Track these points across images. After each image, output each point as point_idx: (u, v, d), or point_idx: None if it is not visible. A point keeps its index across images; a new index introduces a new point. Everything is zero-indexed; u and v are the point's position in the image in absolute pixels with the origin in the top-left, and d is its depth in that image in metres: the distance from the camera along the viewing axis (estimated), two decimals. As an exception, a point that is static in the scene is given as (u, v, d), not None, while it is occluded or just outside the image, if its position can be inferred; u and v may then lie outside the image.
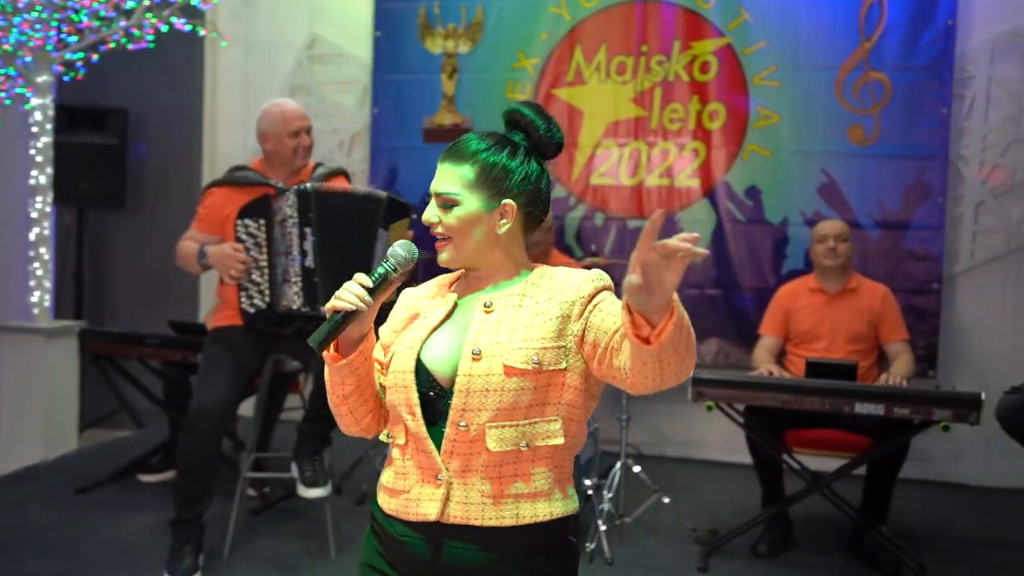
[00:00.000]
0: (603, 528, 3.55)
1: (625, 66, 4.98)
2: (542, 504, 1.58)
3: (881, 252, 4.69)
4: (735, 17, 4.83)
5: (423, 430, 1.58)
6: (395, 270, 1.64)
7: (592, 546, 3.52)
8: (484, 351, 1.57)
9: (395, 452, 1.66)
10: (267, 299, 3.32)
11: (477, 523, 1.56)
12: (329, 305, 1.59)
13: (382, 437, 1.71)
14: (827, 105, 4.75)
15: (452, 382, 1.57)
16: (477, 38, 5.19)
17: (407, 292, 1.79)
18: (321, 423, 3.45)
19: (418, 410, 1.58)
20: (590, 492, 3.59)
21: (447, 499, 1.57)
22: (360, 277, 1.61)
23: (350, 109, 5.47)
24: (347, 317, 1.60)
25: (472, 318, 1.63)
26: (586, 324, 1.58)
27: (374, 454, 4.37)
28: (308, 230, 3.24)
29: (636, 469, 3.90)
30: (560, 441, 1.58)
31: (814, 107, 4.77)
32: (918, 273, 4.66)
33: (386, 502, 1.65)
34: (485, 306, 1.64)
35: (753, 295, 4.81)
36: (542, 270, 1.68)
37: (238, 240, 3.32)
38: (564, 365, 1.58)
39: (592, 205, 5.06)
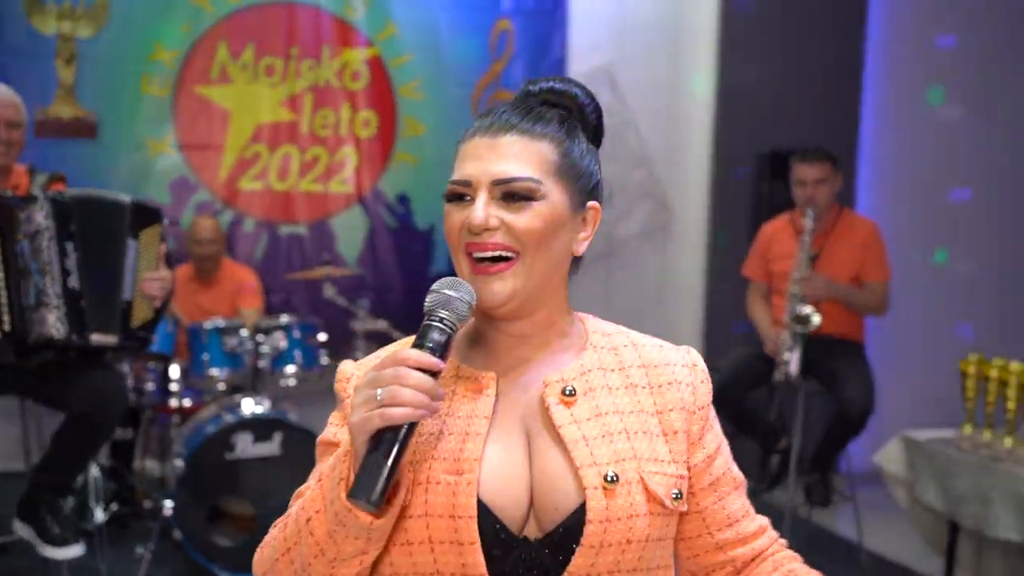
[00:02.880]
0: None
1: (274, 68, 4.85)
2: None
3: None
4: (383, 28, 4.98)
5: None
6: (454, 330, 1.03)
7: None
8: (619, 474, 1.04)
9: None
10: (6, 327, 2.74)
11: None
12: (371, 424, 0.96)
13: None
14: (466, 118, 5.14)
15: (548, 527, 1.04)
16: (101, 22, 4.62)
17: (360, 368, 1.17)
18: (63, 472, 2.94)
19: None
20: None
21: None
22: (407, 353, 0.98)
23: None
24: (410, 433, 0.98)
25: (549, 415, 1.07)
26: (707, 471, 1.13)
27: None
28: (70, 245, 2.75)
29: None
30: None
31: (454, 120, 5.13)
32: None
33: None
34: (564, 393, 1.08)
35: (403, 297, 5.01)
36: (603, 327, 1.18)
37: None
38: (685, 507, 1.11)
39: (241, 210, 4.84)
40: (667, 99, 5.58)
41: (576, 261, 1.14)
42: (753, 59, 5.36)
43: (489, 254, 1.06)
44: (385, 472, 0.96)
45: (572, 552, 1.02)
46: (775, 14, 5.38)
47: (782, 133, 5.14)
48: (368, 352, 4.10)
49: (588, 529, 1.01)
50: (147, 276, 2.85)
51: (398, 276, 5.02)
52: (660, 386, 1.11)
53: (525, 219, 1.06)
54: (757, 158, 5.12)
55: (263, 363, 3.58)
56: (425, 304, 1.03)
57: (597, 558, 1.01)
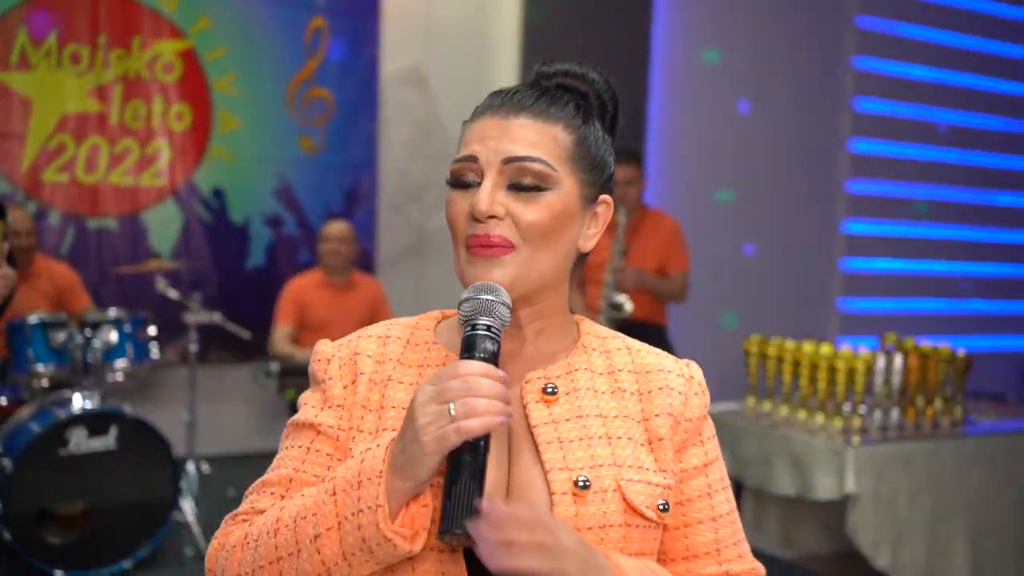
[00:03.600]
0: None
1: (80, 56, 4.70)
2: None
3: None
4: (197, 21, 4.94)
5: None
6: (499, 337, 0.96)
7: None
8: (593, 480, 0.97)
9: None
10: None
11: None
12: (448, 442, 0.88)
13: None
14: (280, 115, 5.20)
15: None
16: None
17: (342, 350, 1.09)
18: None
19: None
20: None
21: None
22: (471, 366, 0.91)
23: None
24: (487, 450, 0.91)
25: (526, 413, 1.01)
26: (683, 491, 1.05)
27: None
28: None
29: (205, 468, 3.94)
30: None
31: (269, 116, 5.17)
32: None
33: None
34: (545, 392, 1.02)
35: (217, 293, 5.01)
36: (599, 330, 1.11)
37: None
38: (668, 520, 1.03)
39: (45, 203, 4.67)
40: (473, 98, 5.84)
41: (581, 257, 1.06)
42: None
43: (489, 245, 0.98)
44: (476, 499, 0.88)
45: None
46: (570, 24, 5.79)
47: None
48: (202, 345, 4.11)
49: None
50: None
51: (213, 270, 5.00)
52: (650, 392, 1.04)
53: (533, 211, 0.98)
54: (558, 158, 5.50)
55: (94, 357, 3.53)
56: (461, 312, 0.96)
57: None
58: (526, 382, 1.02)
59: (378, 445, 0.93)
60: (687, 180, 6.18)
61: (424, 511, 0.92)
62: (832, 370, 3.77)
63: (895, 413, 3.88)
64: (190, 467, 3.71)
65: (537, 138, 0.99)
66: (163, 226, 4.87)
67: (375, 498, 0.89)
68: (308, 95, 5.26)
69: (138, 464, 3.42)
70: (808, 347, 3.87)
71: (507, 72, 5.82)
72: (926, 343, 4.05)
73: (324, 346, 1.09)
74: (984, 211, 7.55)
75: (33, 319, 3.50)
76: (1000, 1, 7.33)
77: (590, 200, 1.04)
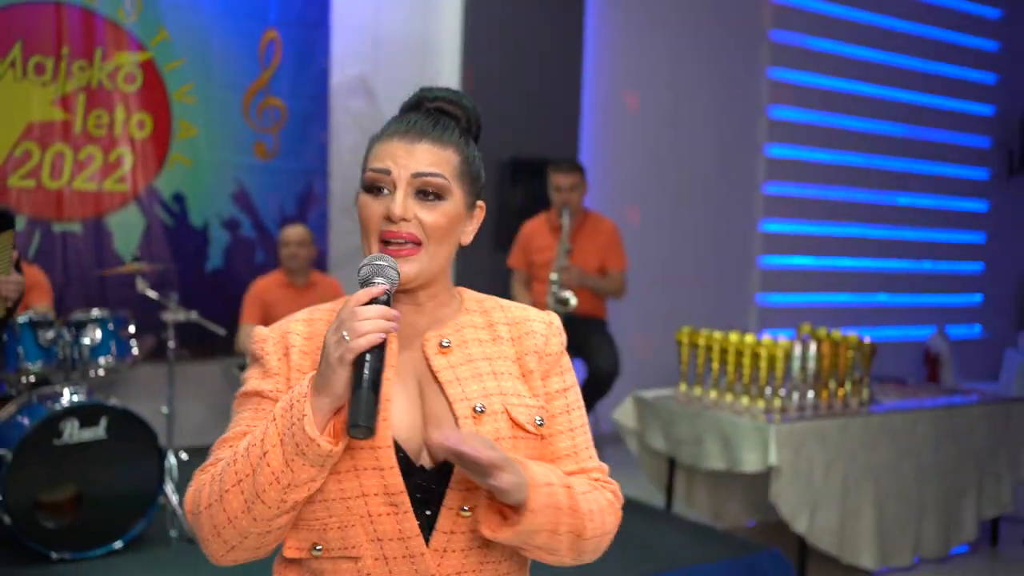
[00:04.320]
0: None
1: (44, 67, 4.89)
2: None
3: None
4: (156, 34, 5.16)
5: (412, 525, 1.23)
6: (389, 289, 1.24)
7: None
8: (486, 406, 1.27)
9: (330, 568, 1.26)
10: None
11: None
12: (346, 358, 1.16)
13: (302, 551, 1.27)
14: (236, 123, 5.44)
15: (437, 456, 1.25)
16: None
17: (274, 332, 1.35)
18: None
19: (405, 499, 1.23)
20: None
21: None
22: (355, 297, 1.20)
23: None
24: (381, 357, 1.18)
25: (429, 363, 1.30)
26: (550, 407, 1.34)
27: None
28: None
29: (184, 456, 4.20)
30: None
31: (226, 124, 5.41)
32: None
33: None
34: (441, 345, 1.31)
35: (179, 294, 5.22)
36: (476, 296, 1.41)
37: None
38: (549, 432, 1.34)
39: (12, 208, 4.83)
40: (417, 108, 6.18)
41: (461, 248, 1.38)
42: (493, 73, 6.11)
43: (402, 240, 1.26)
44: (376, 400, 1.15)
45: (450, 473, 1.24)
46: (508, 33, 6.16)
47: (519, 143, 5.94)
48: (180, 342, 4.37)
49: None
50: (2, 279, 3.03)
51: (175, 272, 5.23)
52: (520, 337, 1.34)
53: (433, 216, 1.27)
54: (499, 165, 5.86)
55: (80, 354, 3.77)
56: (360, 276, 1.24)
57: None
58: (426, 340, 1.31)
59: (305, 378, 1.22)
60: (618, 185, 6.60)
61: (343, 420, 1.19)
62: (755, 357, 4.21)
63: (811, 395, 4.35)
64: (170, 456, 3.96)
65: (436, 159, 1.28)
66: (127, 230, 5.09)
67: (302, 411, 1.16)
68: (262, 104, 5.52)
69: (126, 453, 3.67)
70: (734, 337, 4.31)
71: (449, 81, 6.15)
72: (837, 332, 4.53)
73: (259, 331, 1.37)
74: (886, 211, 8.16)
75: (22, 319, 3.71)
76: (897, 17, 7.94)
77: (471, 205, 1.35)
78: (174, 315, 4.04)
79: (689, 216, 7.10)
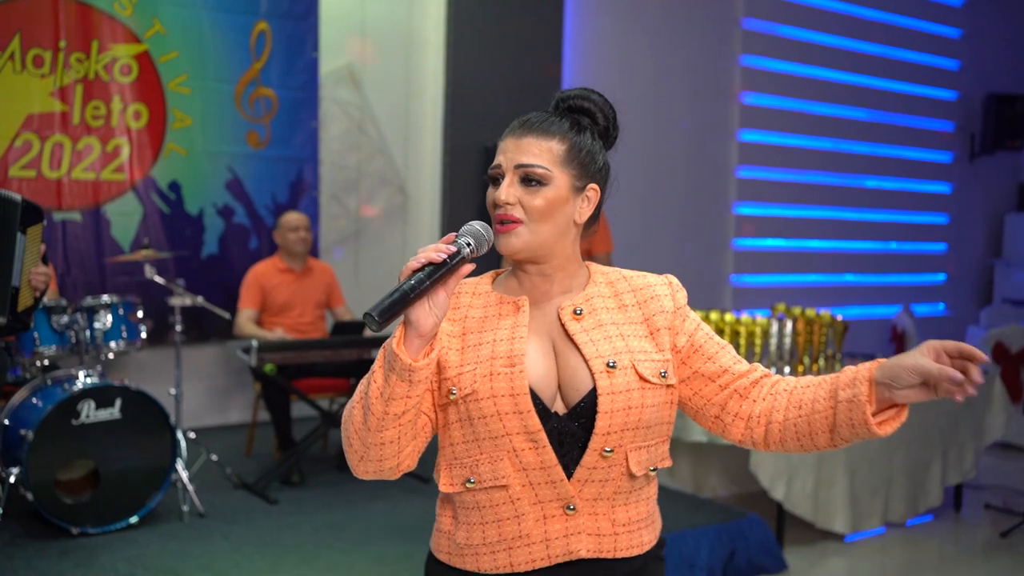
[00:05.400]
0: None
1: (43, 59, 5.01)
2: (651, 530, 1.55)
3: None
4: (150, 27, 5.29)
5: (551, 457, 1.43)
6: (469, 247, 1.40)
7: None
8: (617, 362, 1.45)
9: (485, 499, 1.46)
10: None
11: (609, 555, 1.48)
12: (404, 268, 1.35)
13: (456, 486, 1.48)
14: (229, 113, 5.58)
15: (571, 404, 1.45)
16: None
17: None
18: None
19: (543, 436, 1.42)
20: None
21: (578, 533, 1.46)
22: (428, 247, 1.38)
23: None
24: (434, 273, 1.34)
25: (564, 327, 1.49)
26: (693, 345, 1.52)
27: None
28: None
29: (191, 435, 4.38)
30: (669, 464, 1.54)
31: (219, 114, 5.55)
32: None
33: (490, 561, 1.47)
34: (575, 312, 1.50)
35: (184, 279, 5.37)
36: (602, 269, 1.59)
37: None
38: (674, 381, 1.51)
39: (13, 197, 4.96)
40: (402, 96, 6.35)
41: (588, 224, 1.54)
42: (476, 63, 6.28)
43: (507, 221, 1.45)
44: (390, 298, 1.30)
45: (590, 419, 1.42)
46: (491, 24, 6.34)
47: (502, 130, 6.11)
48: (163, 329, 4.55)
49: (601, 400, 1.41)
50: (33, 270, 3.20)
51: (174, 257, 5.37)
52: (645, 301, 1.52)
53: (535, 199, 1.45)
54: (483, 152, 6.05)
55: (93, 338, 3.93)
56: (461, 230, 1.42)
57: (611, 420, 1.41)
58: (561, 308, 1.50)
59: None
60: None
61: (420, 341, 1.36)
62: (735, 334, 4.45)
63: (787, 370, 4.60)
64: (179, 436, 4.13)
65: (538, 151, 1.47)
66: (125, 218, 5.23)
67: (394, 335, 1.35)
68: (254, 94, 5.66)
69: (140, 432, 3.84)
70: (714, 315, 4.55)
71: (433, 71, 6.32)
72: (811, 311, 4.78)
73: None
74: (854, 194, 8.45)
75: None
76: (864, 5, 8.20)
77: (580, 188, 1.50)
78: (180, 300, 4.20)
79: (664, 200, 7.33)
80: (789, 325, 4.57)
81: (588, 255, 4.96)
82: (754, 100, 7.70)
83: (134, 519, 3.83)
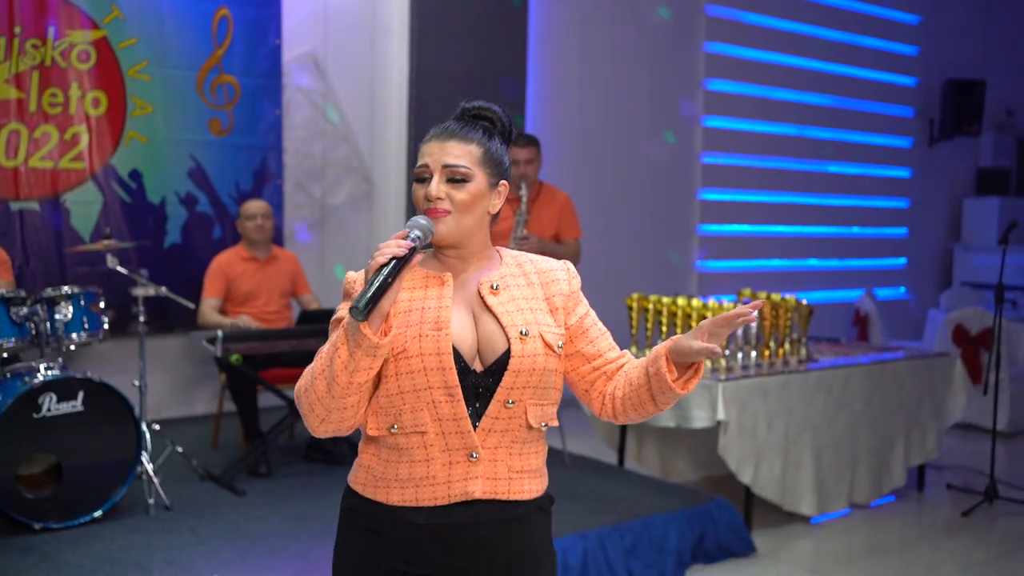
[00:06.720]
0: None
1: (-3, 46, 4.90)
2: (540, 482, 1.81)
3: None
4: (109, 12, 5.18)
5: (463, 410, 1.67)
6: (419, 240, 1.65)
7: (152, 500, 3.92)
8: (529, 330, 1.71)
9: (404, 442, 1.70)
10: None
11: (503, 497, 1.73)
12: (372, 263, 1.57)
13: (381, 431, 1.71)
14: (191, 100, 5.50)
15: (488, 363, 1.70)
16: None
17: (360, 274, 1.75)
18: None
19: (459, 391, 1.67)
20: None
21: (476, 477, 1.70)
22: (394, 238, 1.62)
23: None
24: (399, 266, 1.57)
25: (484, 300, 1.74)
26: (580, 327, 1.81)
27: None
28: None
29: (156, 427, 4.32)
30: (556, 424, 1.81)
31: (181, 101, 5.46)
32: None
33: (398, 495, 1.71)
34: (492, 287, 1.75)
35: (147, 270, 5.28)
36: (511, 253, 1.85)
37: None
38: (561, 352, 1.79)
39: (-33, 187, 4.87)
40: (366, 82, 6.30)
41: (494, 217, 1.79)
42: (440, 51, 6.24)
43: (437, 212, 1.70)
44: (369, 292, 1.54)
45: (502, 376, 1.69)
46: (454, 12, 6.30)
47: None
48: (124, 319, 4.50)
49: (512, 361, 1.68)
50: None
51: (134, 248, 5.29)
52: (547, 283, 1.80)
53: (459, 194, 1.70)
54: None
55: (54, 330, 3.86)
56: (407, 224, 1.67)
57: (517, 378, 1.69)
58: (480, 284, 1.76)
59: None
60: (562, 158, 6.80)
61: (388, 329, 1.62)
62: (702, 319, 4.46)
63: (753, 354, 4.63)
64: (144, 428, 4.08)
65: (461, 152, 1.72)
66: (84, 207, 5.13)
67: (355, 319, 1.57)
68: (216, 81, 5.58)
69: (103, 424, 3.78)
70: (681, 301, 4.56)
71: (398, 58, 6.28)
72: (777, 295, 4.81)
73: (351, 273, 1.77)
74: (816, 179, 8.52)
75: (-6, 295, 3.78)
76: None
77: (494, 185, 1.76)
78: (143, 290, 4.14)
79: (630, 186, 7.34)
80: (755, 310, 4.59)
81: (558, 241, 5.00)
82: (718, 86, 7.73)
83: (98, 513, 3.77)
